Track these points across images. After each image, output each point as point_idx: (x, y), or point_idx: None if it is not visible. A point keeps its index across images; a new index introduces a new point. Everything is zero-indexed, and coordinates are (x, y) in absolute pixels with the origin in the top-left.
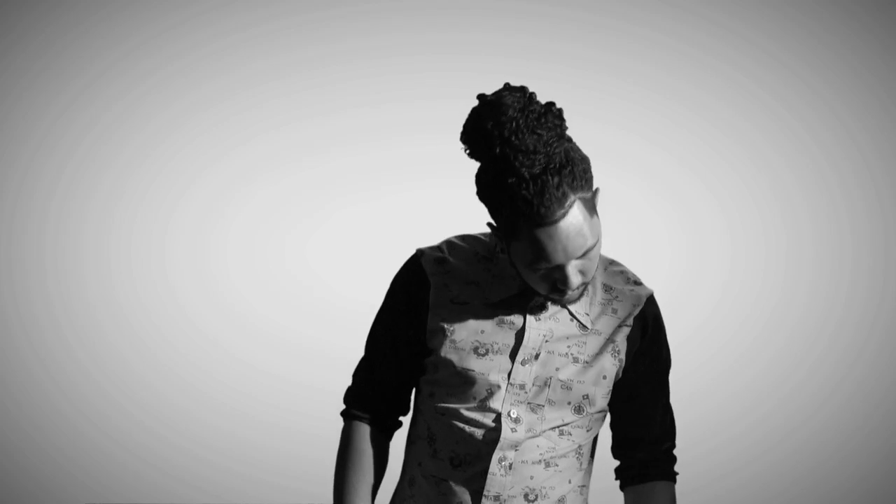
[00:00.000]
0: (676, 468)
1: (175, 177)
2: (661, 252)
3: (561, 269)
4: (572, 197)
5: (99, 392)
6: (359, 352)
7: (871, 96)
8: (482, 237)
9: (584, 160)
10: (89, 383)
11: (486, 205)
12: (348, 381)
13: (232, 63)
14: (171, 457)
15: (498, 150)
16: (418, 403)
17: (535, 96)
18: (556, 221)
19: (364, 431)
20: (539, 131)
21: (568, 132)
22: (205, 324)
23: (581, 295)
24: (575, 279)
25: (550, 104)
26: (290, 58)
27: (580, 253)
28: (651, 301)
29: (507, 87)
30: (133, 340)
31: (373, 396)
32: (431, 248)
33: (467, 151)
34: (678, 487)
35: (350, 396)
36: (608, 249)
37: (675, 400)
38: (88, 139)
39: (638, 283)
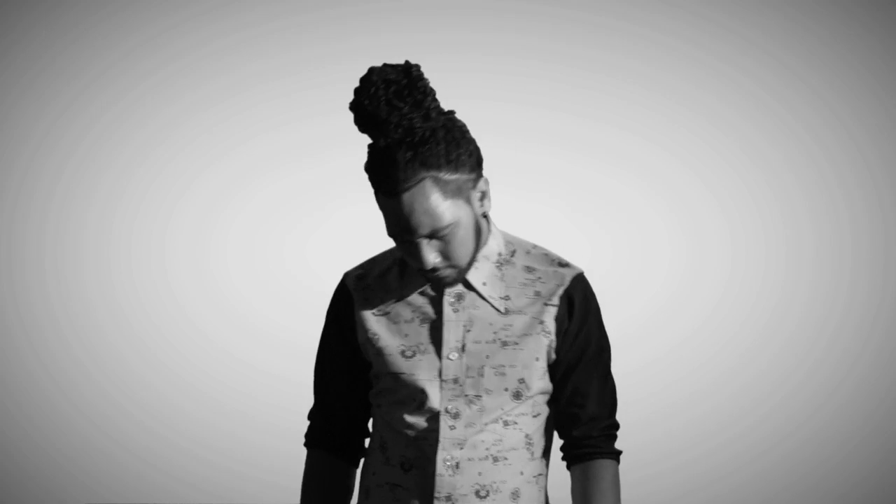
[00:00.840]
0: (620, 446)
1: (175, 177)
2: (661, 252)
3: (415, 245)
4: (423, 174)
5: (99, 392)
6: None
7: (871, 96)
8: None
9: (459, 143)
10: (89, 383)
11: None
12: None
13: (232, 63)
14: (171, 457)
15: (358, 119)
16: (372, 417)
17: (420, 74)
18: (399, 194)
19: (324, 462)
20: (397, 103)
21: (459, 119)
22: (205, 324)
23: (457, 278)
24: (429, 258)
25: (418, 80)
26: (289, 58)
27: (425, 231)
28: (578, 280)
29: (405, 63)
30: (133, 340)
31: (330, 427)
32: (354, 268)
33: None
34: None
35: (309, 433)
36: (609, 249)
37: (675, 400)
38: (88, 139)
39: (563, 263)
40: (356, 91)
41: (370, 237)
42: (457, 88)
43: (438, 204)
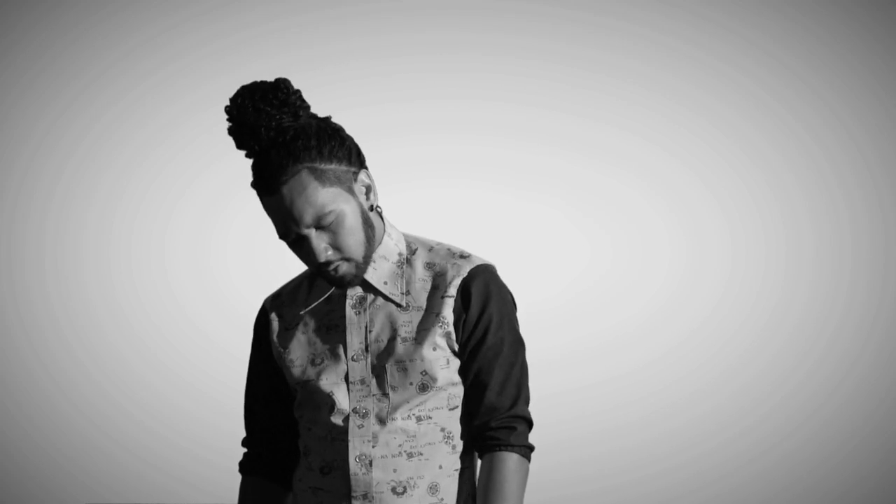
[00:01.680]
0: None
1: (175, 177)
2: (661, 252)
3: (304, 240)
4: (298, 166)
5: (99, 392)
6: None
7: (871, 96)
8: None
9: (332, 137)
10: (89, 383)
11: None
12: None
13: (232, 63)
14: (171, 457)
15: (233, 134)
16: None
17: (287, 82)
18: (278, 188)
19: (258, 487)
20: (263, 107)
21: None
22: (205, 324)
23: (357, 273)
24: (320, 248)
25: (284, 85)
26: (289, 58)
27: (309, 220)
28: (478, 271)
29: (275, 80)
30: (133, 340)
31: (262, 452)
32: (273, 292)
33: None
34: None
35: (242, 460)
36: (609, 249)
37: (675, 400)
38: (88, 139)
39: (464, 256)
40: (225, 109)
41: None
42: (457, 88)
43: (317, 191)
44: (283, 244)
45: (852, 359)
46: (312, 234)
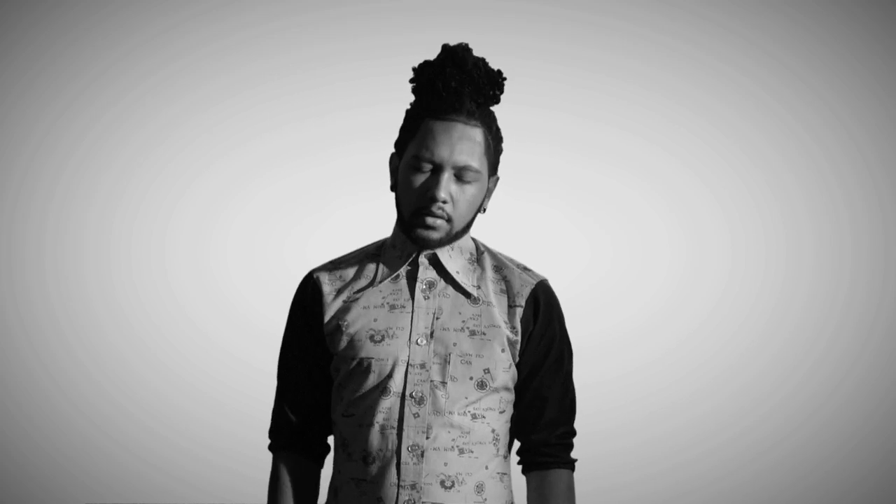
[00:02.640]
0: (575, 454)
1: (175, 177)
2: (661, 252)
3: (437, 174)
4: (480, 124)
5: (99, 392)
6: None
7: (871, 96)
8: (373, 243)
9: (500, 139)
10: (89, 383)
11: (404, 120)
12: None
13: (232, 63)
14: (171, 457)
15: (441, 54)
16: (332, 416)
17: (504, 78)
18: (457, 122)
19: (289, 461)
20: (483, 67)
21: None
22: (205, 324)
23: (443, 238)
24: (444, 191)
25: (501, 74)
26: (289, 58)
27: (461, 162)
28: (542, 286)
29: None
30: (133, 340)
31: (293, 425)
32: (321, 265)
33: (412, 81)
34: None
35: (272, 432)
36: (609, 249)
37: (675, 400)
38: (88, 139)
39: (527, 269)
40: (446, 45)
41: (370, 237)
42: None
43: (480, 149)
44: (283, 244)
45: (852, 359)
46: (448, 174)
